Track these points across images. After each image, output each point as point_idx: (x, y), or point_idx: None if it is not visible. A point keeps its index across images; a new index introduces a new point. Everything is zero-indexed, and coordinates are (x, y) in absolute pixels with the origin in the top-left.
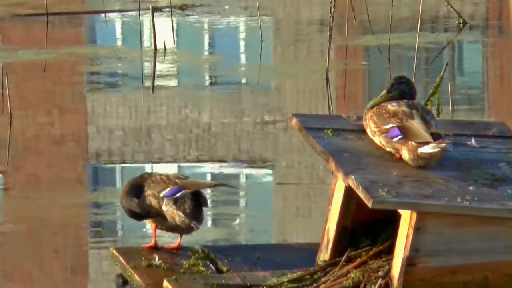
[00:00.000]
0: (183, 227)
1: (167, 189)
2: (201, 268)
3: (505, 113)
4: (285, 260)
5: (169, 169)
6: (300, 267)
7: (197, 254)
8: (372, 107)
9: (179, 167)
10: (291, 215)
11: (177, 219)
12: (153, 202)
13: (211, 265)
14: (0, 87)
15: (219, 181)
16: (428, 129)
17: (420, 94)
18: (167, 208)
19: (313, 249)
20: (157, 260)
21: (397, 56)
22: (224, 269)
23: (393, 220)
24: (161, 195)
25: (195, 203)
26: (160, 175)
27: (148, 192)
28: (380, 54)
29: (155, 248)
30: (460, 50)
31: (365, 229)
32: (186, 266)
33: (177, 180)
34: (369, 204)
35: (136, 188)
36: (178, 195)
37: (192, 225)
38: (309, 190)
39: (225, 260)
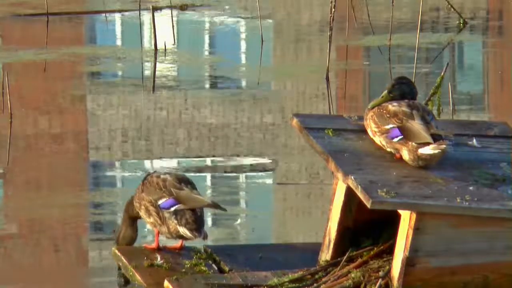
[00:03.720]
0: (186, 237)
1: (163, 199)
2: (203, 268)
3: (506, 113)
4: (287, 260)
5: (169, 169)
6: (302, 267)
7: (199, 254)
8: (373, 107)
9: (179, 167)
10: (291, 215)
11: (181, 234)
12: (151, 208)
13: (213, 265)
14: (0, 87)
15: (211, 201)
16: (428, 130)
17: (420, 95)
18: (169, 223)
19: (315, 249)
20: (159, 260)
21: (398, 56)
22: (226, 269)
23: (394, 220)
24: (158, 203)
25: (194, 214)
26: (158, 177)
27: (142, 195)
28: (381, 54)
29: (158, 249)
30: (461, 50)
31: (367, 229)
32: (188, 266)
33: (172, 190)
34: (368, 204)
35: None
36: (171, 209)
37: (199, 238)
38: (309, 190)
39: (227, 260)
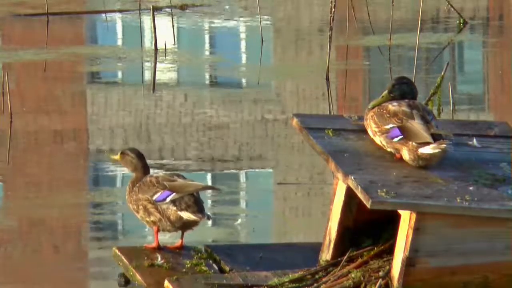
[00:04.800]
0: (190, 221)
1: (158, 194)
2: (204, 268)
3: (506, 113)
4: (288, 260)
5: (169, 169)
6: (303, 267)
7: (200, 254)
8: (373, 107)
9: (178, 166)
10: (291, 215)
11: (185, 219)
12: (149, 206)
13: (213, 265)
14: (0, 87)
15: (205, 184)
16: (428, 130)
17: (421, 94)
18: (169, 212)
19: (316, 249)
20: (159, 259)
21: (398, 56)
22: (227, 268)
23: (395, 220)
24: (153, 199)
25: (193, 197)
26: (151, 176)
27: (139, 196)
28: (381, 54)
29: (158, 248)
30: (461, 50)
31: (367, 229)
32: (188, 265)
33: (165, 183)
34: (368, 204)
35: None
36: (167, 200)
37: (203, 219)
38: (309, 190)
39: (228, 260)
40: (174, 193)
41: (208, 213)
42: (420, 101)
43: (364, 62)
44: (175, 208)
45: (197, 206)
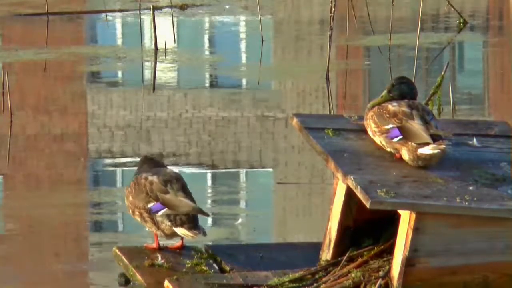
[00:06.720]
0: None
1: (151, 204)
2: (204, 268)
3: (506, 112)
4: (288, 260)
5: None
6: (303, 267)
7: (200, 254)
8: (372, 107)
9: (178, 166)
10: (291, 215)
11: (179, 235)
12: (145, 215)
13: (214, 265)
14: (0, 86)
15: (197, 207)
16: (427, 130)
17: (421, 94)
18: (163, 226)
19: (316, 249)
20: (160, 259)
21: (398, 56)
22: (227, 268)
23: (395, 219)
24: (148, 207)
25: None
26: (146, 179)
27: (135, 201)
28: (381, 54)
29: (159, 249)
30: (461, 49)
31: (367, 228)
32: (188, 265)
33: (158, 194)
34: (367, 204)
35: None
36: (160, 213)
37: (199, 235)
38: (309, 190)
39: (228, 260)
40: (165, 208)
41: (204, 228)
42: (420, 101)
43: (364, 62)
44: (170, 223)
45: (192, 222)
